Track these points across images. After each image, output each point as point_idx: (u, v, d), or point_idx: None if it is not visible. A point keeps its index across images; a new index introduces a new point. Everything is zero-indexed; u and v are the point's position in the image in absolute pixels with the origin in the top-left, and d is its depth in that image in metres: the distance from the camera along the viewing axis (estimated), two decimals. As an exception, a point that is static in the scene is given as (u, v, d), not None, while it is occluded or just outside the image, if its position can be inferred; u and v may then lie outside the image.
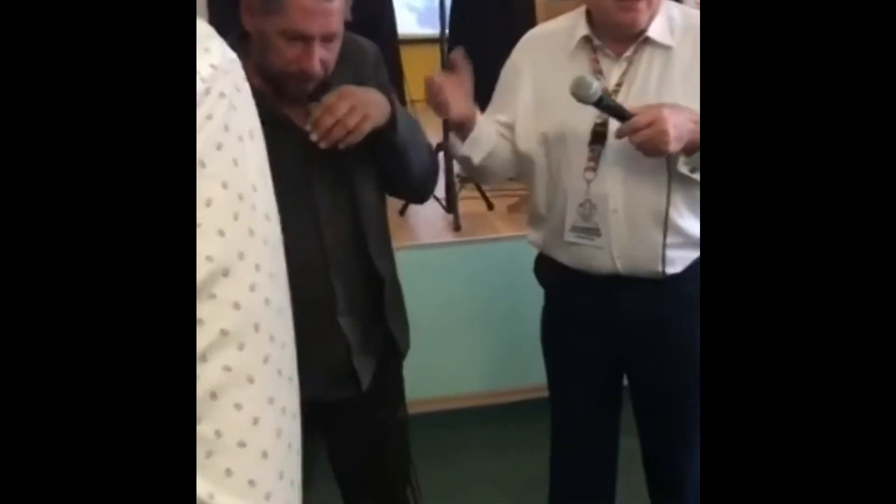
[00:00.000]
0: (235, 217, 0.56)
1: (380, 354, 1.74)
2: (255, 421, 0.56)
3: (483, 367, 3.11)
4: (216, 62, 0.57)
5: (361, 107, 1.52)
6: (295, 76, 1.54)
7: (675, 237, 1.71)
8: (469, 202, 3.40)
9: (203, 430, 0.54)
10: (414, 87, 3.60)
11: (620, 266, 1.74)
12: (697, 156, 1.63)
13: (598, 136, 1.71)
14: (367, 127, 1.53)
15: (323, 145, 1.51)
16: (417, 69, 3.95)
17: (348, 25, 1.61)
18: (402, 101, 3.82)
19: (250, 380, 0.56)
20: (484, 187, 3.45)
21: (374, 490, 1.83)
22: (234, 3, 1.58)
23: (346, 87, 1.55)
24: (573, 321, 1.87)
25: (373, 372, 1.72)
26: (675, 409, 1.81)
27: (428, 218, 3.37)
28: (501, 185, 3.76)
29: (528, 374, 3.01)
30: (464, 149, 1.78)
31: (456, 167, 3.48)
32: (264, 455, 0.56)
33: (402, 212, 3.35)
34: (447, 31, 3.84)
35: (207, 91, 0.56)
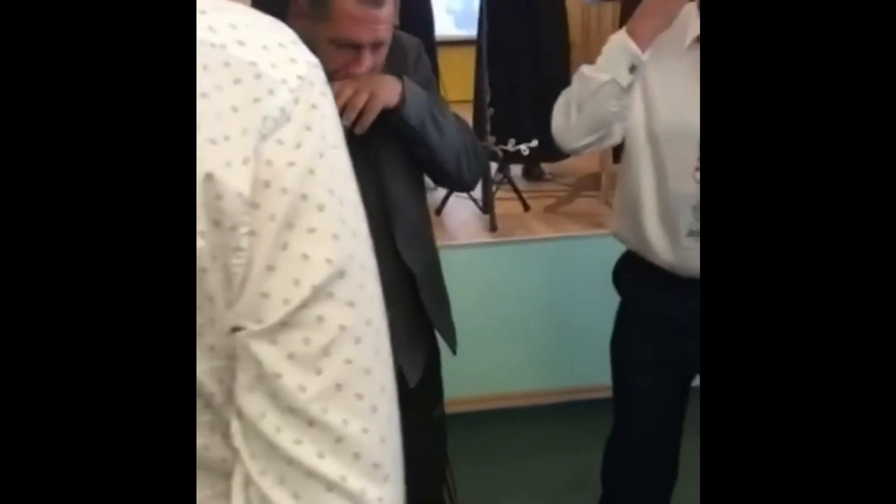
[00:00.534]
0: (342, 221, 0.60)
1: (426, 351, 1.74)
2: (374, 409, 0.60)
3: (519, 367, 3.10)
4: (303, 73, 0.61)
5: (367, 87, 1.52)
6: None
7: None
8: (505, 203, 3.40)
9: (332, 418, 0.59)
10: (451, 89, 3.63)
11: None
12: None
13: None
14: (377, 105, 1.52)
15: None
16: (455, 70, 3.97)
17: None
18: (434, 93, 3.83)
19: (367, 371, 0.60)
20: (521, 188, 3.44)
21: (409, 489, 1.83)
22: (281, 5, 1.59)
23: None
24: (661, 325, 1.80)
25: (421, 368, 1.71)
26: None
27: (464, 218, 3.37)
28: (538, 186, 3.77)
29: (565, 375, 3.00)
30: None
31: (493, 167, 3.49)
32: (383, 440, 0.61)
33: (439, 211, 3.36)
34: (477, 33, 3.86)
35: (296, 101, 0.59)
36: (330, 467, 0.58)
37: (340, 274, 0.59)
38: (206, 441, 0.62)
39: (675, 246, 1.72)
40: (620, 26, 1.93)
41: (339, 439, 0.59)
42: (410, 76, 1.65)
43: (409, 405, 1.96)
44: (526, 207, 3.43)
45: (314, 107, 0.60)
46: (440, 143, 1.66)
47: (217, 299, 0.58)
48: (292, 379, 0.58)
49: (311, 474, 0.58)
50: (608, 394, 1.95)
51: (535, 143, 3.43)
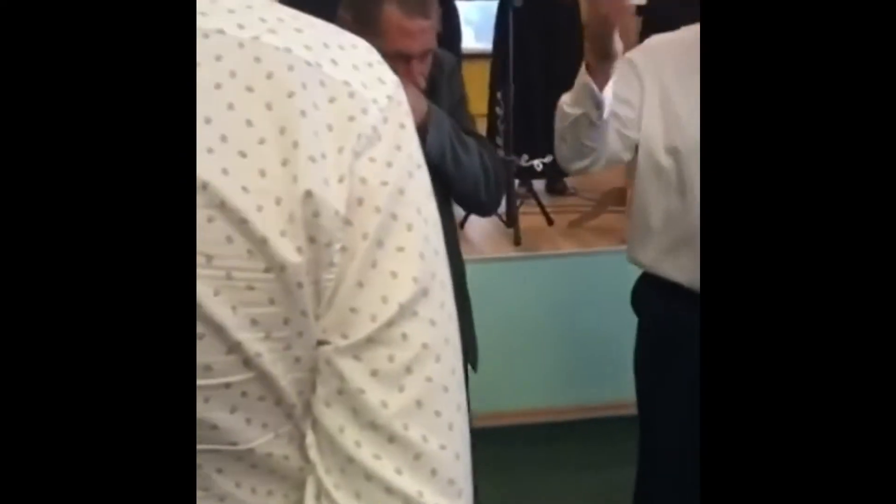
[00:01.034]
0: (427, 240, 0.61)
1: None
2: (451, 426, 0.61)
3: (543, 383, 3.09)
4: (391, 93, 0.61)
5: None
6: None
7: None
8: (529, 217, 3.39)
9: (412, 434, 0.59)
10: (470, 101, 3.64)
11: None
12: None
13: None
14: None
15: None
16: (473, 83, 3.97)
17: None
18: (463, 105, 3.85)
19: (445, 389, 0.61)
20: (544, 202, 3.44)
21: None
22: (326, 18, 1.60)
23: None
24: (684, 345, 1.75)
25: None
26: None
27: (488, 232, 3.37)
28: (562, 201, 3.75)
29: (588, 391, 2.98)
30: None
31: (516, 182, 3.48)
32: (458, 456, 0.61)
33: (462, 225, 3.36)
34: (493, 46, 3.86)
35: (385, 120, 0.60)
36: (408, 483, 0.59)
37: (424, 292, 0.60)
38: (285, 451, 0.62)
39: (684, 260, 1.71)
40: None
41: (417, 455, 0.59)
42: (445, 92, 1.65)
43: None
44: (550, 222, 3.42)
45: (402, 126, 0.61)
46: (457, 173, 1.67)
47: (308, 314, 0.58)
48: (375, 395, 0.59)
49: (389, 490, 0.59)
50: (632, 411, 1.94)
51: (549, 158, 3.43)
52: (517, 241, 3.20)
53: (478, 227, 3.37)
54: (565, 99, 1.72)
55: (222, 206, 0.55)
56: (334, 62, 0.60)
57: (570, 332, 2.96)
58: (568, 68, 3.90)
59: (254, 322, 0.57)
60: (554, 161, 3.52)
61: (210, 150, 0.55)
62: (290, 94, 0.57)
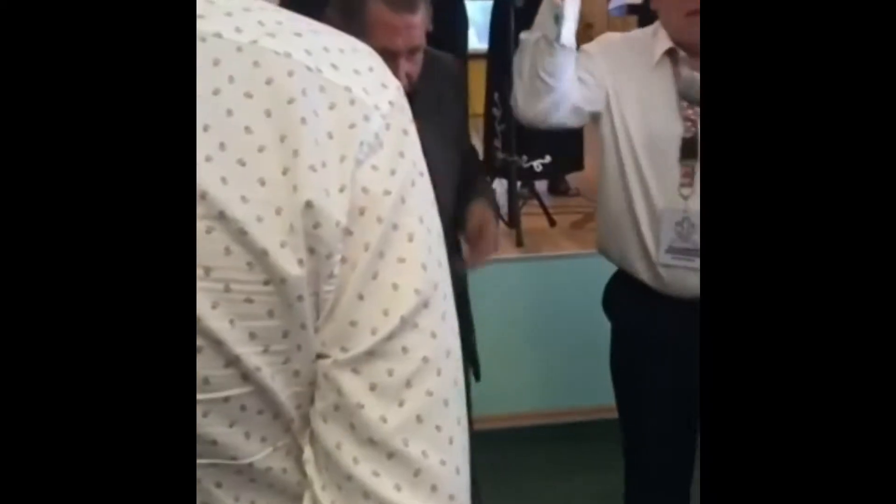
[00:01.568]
0: (430, 250, 0.60)
1: None
2: (451, 440, 0.60)
3: (546, 384, 3.08)
4: (394, 98, 0.60)
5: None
6: None
7: None
8: (531, 218, 3.38)
9: (411, 450, 0.58)
10: (473, 102, 3.63)
11: None
12: None
13: (689, 151, 1.65)
14: None
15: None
16: (478, 83, 3.97)
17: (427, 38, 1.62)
18: (466, 115, 3.84)
19: (446, 403, 0.60)
20: (546, 203, 3.43)
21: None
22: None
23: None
24: (654, 347, 1.79)
25: None
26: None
27: (490, 233, 3.35)
28: (565, 202, 3.74)
29: (592, 394, 2.97)
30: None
31: (518, 183, 3.47)
32: (458, 471, 0.60)
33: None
34: (489, 45, 3.85)
35: (388, 126, 0.59)
36: (407, 500, 0.58)
37: (426, 304, 0.59)
38: (283, 465, 0.61)
39: (653, 262, 1.72)
40: None
41: (417, 472, 0.58)
42: (449, 96, 1.65)
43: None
44: (552, 223, 3.41)
45: (405, 132, 0.60)
46: None
47: (308, 327, 0.57)
48: (374, 410, 0.57)
49: None
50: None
51: (547, 158, 3.42)
52: (519, 243, 3.19)
53: (480, 228, 3.36)
54: (522, 33, 1.72)
55: (221, 216, 0.53)
56: (335, 67, 0.58)
57: (574, 333, 2.95)
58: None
59: (252, 335, 0.56)
60: (552, 161, 3.53)
61: (208, 159, 0.53)
62: (291, 101, 0.55)
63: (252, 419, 0.58)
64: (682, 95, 1.61)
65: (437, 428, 0.59)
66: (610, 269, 2.72)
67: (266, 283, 0.55)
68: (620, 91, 1.74)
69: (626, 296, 1.84)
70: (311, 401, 0.59)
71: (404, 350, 0.58)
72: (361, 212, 0.57)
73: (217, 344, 0.55)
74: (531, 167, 3.50)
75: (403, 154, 0.59)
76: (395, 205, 0.58)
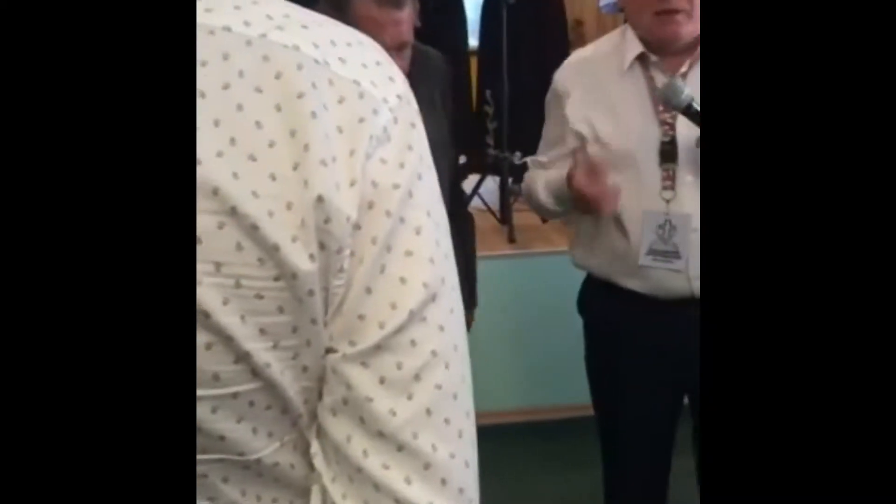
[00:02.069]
0: (437, 244, 0.60)
1: None
2: (460, 434, 0.60)
3: (540, 380, 3.09)
4: (401, 92, 0.60)
5: None
6: None
7: None
8: (523, 214, 3.38)
9: (421, 443, 0.58)
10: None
11: (696, 287, 1.68)
12: None
13: (669, 155, 1.66)
14: None
15: None
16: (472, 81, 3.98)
17: (419, 35, 1.62)
18: (469, 112, 3.85)
19: (455, 396, 0.60)
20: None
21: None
22: None
23: None
24: (634, 347, 1.81)
25: None
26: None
27: (482, 229, 3.36)
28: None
29: (583, 391, 2.98)
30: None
31: (510, 179, 3.48)
32: (467, 464, 0.60)
33: (456, 223, 3.35)
34: (480, 43, 3.85)
35: (396, 120, 0.58)
36: (417, 493, 0.58)
37: (433, 297, 0.59)
38: (290, 460, 0.61)
39: (634, 265, 1.73)
40: None
41: (427, 465, 0.58)
42: (440, 94, 1.65)
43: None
44: (544, 219, 3.41)
45: (413, 126, 0.60)
46: None
47: (318, 322, 0.57)
48: (383, 403, 0.57)
49: (398, 500, 0.57)
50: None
51: (529, 159, 3.42)
52: (511, 239, 3.19)
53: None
54: (545, 198, 1.82)
55: (233, 211, 0.53)
56: (342, 60, 0.58)
57: (565, 329, 2.95)
58: (557, 65, 3.92)
59: (262, 331, 0.56)
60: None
61: (220, 154, 0.53)
62: (300, 95, 0.55)
63: (260, 415, 0.58)
64: (664, 102, 1.62)
65: (447, 421, 0.59)
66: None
67: (277, 278, 0.55)
68: (595, 107, 1.76)
69: (600, 296, 1.85)
70: (319, 395, 0.59)
71: (413, 343, 0.58)
72: (370, 206, 0.57)
73: (228, 340, 0.55)
74: (525, 164, 3.51)
75: (411, 147, 0.59)
76: (402, 198, 0.58)
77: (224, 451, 0.59)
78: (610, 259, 1.78)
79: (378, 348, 0.57)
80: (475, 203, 3.49)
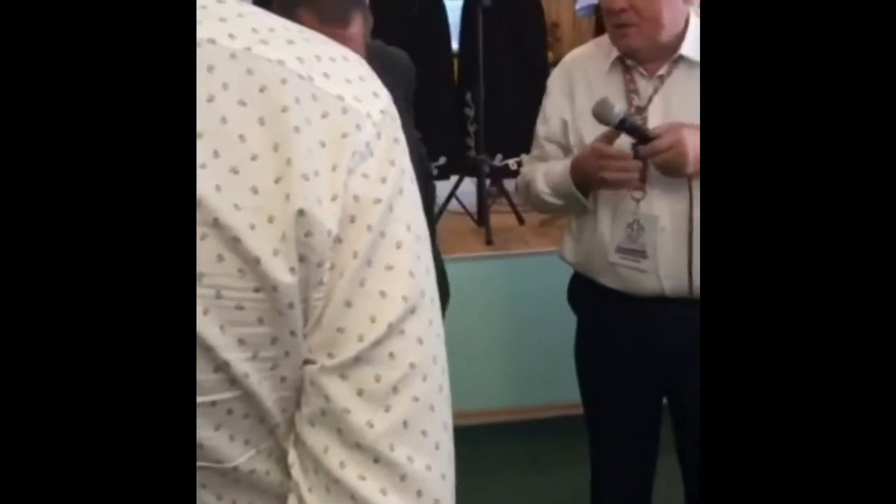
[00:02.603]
0: (418, 257, 0.60)
1: None
2: (437, 446, 0.60)
3: (516, 381, 3.10)
4: (384, 107, 0.60)
5: None
6: None
7: None
8: (500, 216, 3.40)
9: (397, 455, 0.58)
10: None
11: (667, 287, 1.72)
12: None
13: (645, 138, 1.69)
14: None
15: None
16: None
17: (403, 38, 1.62)
18: (452, 114, 3.85)
19: (432, 408, 0.60)
20: (516, 201, 3.44)
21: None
22: None
23: None
24: (613, 344, 1.85)
25: None
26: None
27: (459, 231, 3.37)
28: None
29: (560, 390, 3.00)
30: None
31: (487, 181, 3.49)
32: (443, 476, 0.61)
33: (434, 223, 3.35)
34: (460, 46, 3.87)
35: (379, 135, 0.59)
36: None
37: (413, 310, 0.59)
38: (266, 467, 0.62)
39: (605, 262, 1.77)
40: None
41: (403, 476, 0.58)
42: (410, 95, 1.65)
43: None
44: (521, 221, 3.43)
45: (396, 141, 0.60)
46: None
47: (297, 334, 0.58)
48: (361, 415, 0.58)
49: None
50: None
51: (524, 156, 3.44)
52: (489, 240, 3.20)
53: (450, 227, 3.37)
54: (542, 187, 1.82)
55: (215, 223, 0.54)
56: (326, 75, 0.58)
57: (543, 330, 2.97)
58: (535, 67, 3.93)
59: (241, 342, 0.56)
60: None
61: (203, 166, 0.54)
62: (284, 109, 0.55)
63: (237, 423, 0.59)
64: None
65: (423, 433, 0.59)
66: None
67: (257, 290, 0.55)
68: (578, 104, 1.80)
69: (586, 292, 1.88)
70: (297, 405, 0.60)
71: (391, 356, 0.58)
72: (352, 220, 0.57)
73: (206, 349, 0.55)
74: (507, 166, 3.53)
75: (394, 162, 0.59)
76: (383, 213, 0.58)
77: (202, 458, 0.59)
78: (587, 255, 1.82)
79: (357, 361, 0.58)
80: (453, 205, 3.50)
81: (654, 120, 1.72)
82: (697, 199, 1.68)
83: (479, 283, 3.03)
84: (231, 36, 0.56)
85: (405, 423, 0.59)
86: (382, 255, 0.58)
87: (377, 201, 0.58)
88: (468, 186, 3.57)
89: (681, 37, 1.72)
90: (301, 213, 0.55)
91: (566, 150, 1.83)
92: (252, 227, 0.54)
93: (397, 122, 0.61)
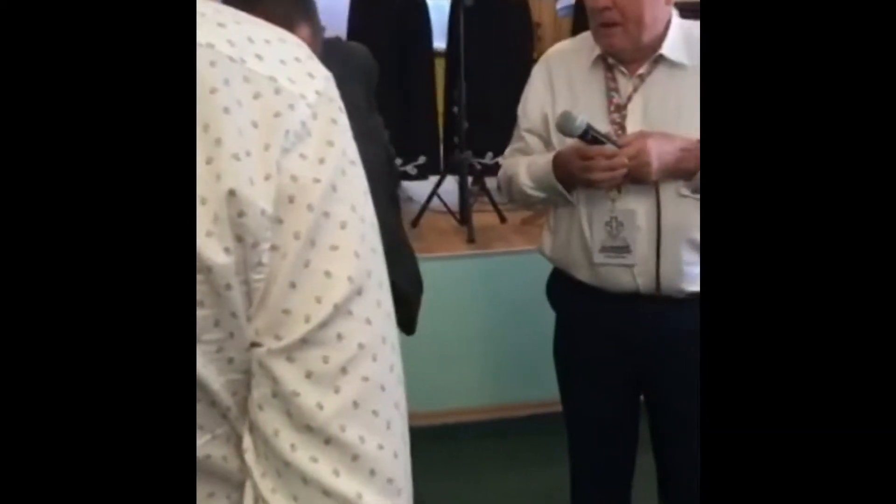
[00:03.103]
0: (363, 238, 0.60)
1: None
2: (388, 425, 0.60)
3: (496, 379, 3.10)
4: (321, 88, 0.60)
5: None
6: None
7: (697, 254, 1.71)
8: (482, 215, 3.41)
9: (348, 435, 0.58)
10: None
11: (641, 284, 1.74)
12: (698, 179, 1.65)
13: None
14: None
15: None
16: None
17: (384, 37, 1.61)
18: (435, 111, 3.85)
19: (382, 388, 0.60)
20: (497, 200, 3.46)
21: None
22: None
23: None
24: (590, 340, 1.86)
25: None
26: (690, 428, 1.80)
27: (441, 229, 3.37)
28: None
29: (543, 388, 3.01)
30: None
31: (469, 180, 3.50)
32: (396, 455, 0.61)
33: (415, 223, 3.36)
34: (448, 45, 3.87)
35: (315, 116, 0.59)
36: (346, 485, 0.58)
37: (359, 291, 0.59)
38: (223, 452, 0.61)
39: (590, 262, 1.78)
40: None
41: (355, 457, 0.58)
42: (366, 86, 1.65)
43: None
44: (503, 219, 3.44)
45: (334, 122, 0.60)
46: None
47: (239, 314, 0.57)
48: (310, 397, 0.58)
49: (327, 493, 0.58)
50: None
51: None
52: (471, 239, 3.21)
53: (431, 225, 3.38)
54: (525, 180, 1.82)
55: None
56: (259, 57, 0.58)
57: (524, 328, 2.98)
58: (522, 64, 3.94)
59: None
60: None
61: None
62: (213, 91, 0.55)
63: None
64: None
65: (374, 413, 0.59)
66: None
67: None
68: (559, 96, 1.82)
69: (564, 288, 1.89)
70: (248, 388, 0.60)
71: (339, 337, 0.58)
72: (291, 199, 0.57)
73: None
74: (497, 164, 3.54)
75: (332, 143, 0.59)
76: (325, 193, 0.58)
77: None
78: (565, 250, 1.83)
79: (303, 342, 0.57)
80: (435, 204, 3.50)
81: (633, 118, 1.73)
82: (665, 201, 1.71)
83: (460, 281, 3.03)
84: None
85: (355, 404, 0.58)
86: (327, 236, 0.58)
87: (316, 181, 0.58)
88: (450, 185, 3.58)
89: (661, 37, 1.73)
90: (232, 193, 0.55)
91: (547, 142, 1.84)
92: None
93: (336, 104, 0.61)
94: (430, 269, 2.85)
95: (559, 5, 4.08)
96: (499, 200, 3.51)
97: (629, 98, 1.75)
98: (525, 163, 1.85)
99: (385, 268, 0.63)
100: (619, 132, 1.73)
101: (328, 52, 1.58)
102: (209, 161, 0.55)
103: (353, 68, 1.69)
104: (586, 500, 1.97)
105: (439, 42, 3.99)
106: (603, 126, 1.73)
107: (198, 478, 0.60)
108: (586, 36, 1.86)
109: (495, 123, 3.64)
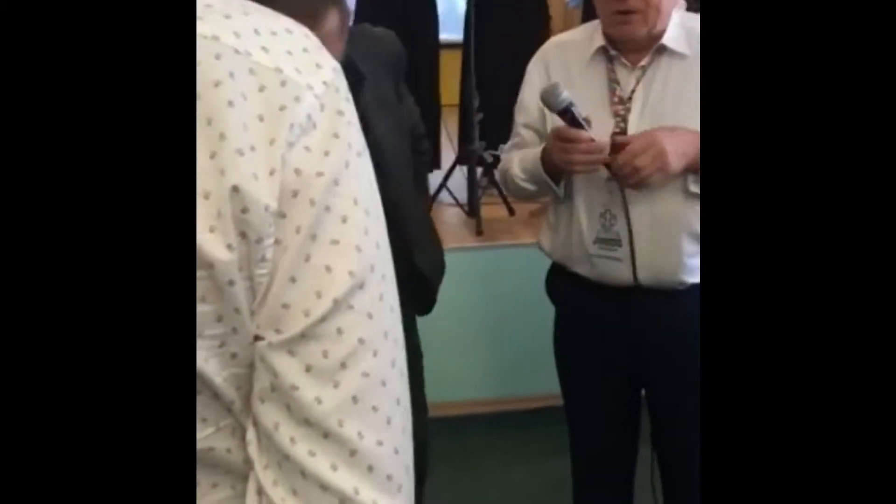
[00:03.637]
0: (366, 232, 0.60)
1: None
2: (389, 420, 0.60)
3: (504, 372, 3.10)
4: (328, 78, 0.59)
5: None
6: None
7: (696, 246, 1.71)
8: (491, 207, 3.40)
9: (346, 431, 0.58)
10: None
11: (641, 276, 1.74)
12: None
13: (617, 146, 1.70)
14: None
15: None
16: (444, 74, 3.99)
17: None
18: (438, 104, 3.84)
19: (383, 383, 0.60)
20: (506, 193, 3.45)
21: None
22: None
23: None
24: (590, 334, 1.86)
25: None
26: (691, 420, 1.80)
27: (450, 222, 3.38)
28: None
29: (546, 381, 3.01)
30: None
31: (479, 172, 3.50)
32: (396, 451, 0.61)
33: (424, 215, 3.35)
34: (463, 37, 3.86)
35: (322, 107, 0.58)
36: (343, 480, 0.58)
37: (361, 285, 0.59)
38: (227, 444, 0.61)
39: (584, 253, 1.77)
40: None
41: (353, 452, 0.58)
42: (395, 78, 1.64)
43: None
44: (511, 212, 3.43)
45: (340, 113, 0.59)
46: None
47: (243, 310, 0.57)
48: (309, 391, 0.58)
49: (324, 487, 0.58)
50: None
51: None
52: (479, 231, 3.21)
53: (440, 218, 3.37)
54: (517, 172, 1.83)
55: None
56: (265, 49, 0.58)
57: (531, 321, 2.97)
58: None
59: None
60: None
61: None
62: (217, 84, 0.55)
63: None
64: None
65: (374, 409, 0.59)
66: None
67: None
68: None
69: (563, 282, 1.89)
70: (251, 382, 0.60)
71: (339, 331, 0.58)
72: (294, 194, 0.57)
73: None
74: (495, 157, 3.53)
75: (338, 135, 0.59)
76: (327, 187, 0.58)
77: None
78: (564, 245, 1.83)
79: (303, 336, 0.57)
80: (443, 196, 3.50)
81: (635, 111, 1.72)
82: (661, 194, 1.69)
83: (467, 273, 3.03)
84: None
85: (354, 399, 0.58)
86: (327, 230, 0.58)
87: (319, 174, 0.57)
88: (460, 178, 3.58)
89: (664, 27, 1.72)
90: (235, 189, 0.55)
91: (543, 136, 1.83)
92: None
93: (342, 94, 0.60)
94: (439, 261, 2.85)
95: (568, -3, 4.07)
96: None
97: (633, 90, 1.74)
98: (519, 156, 1.85)
99: (391, 260, 0.62)
100: (622, 124, 1.72)
101: (356, 41, 1.54)
102: (213, 156, 0.55)
103: (381, 60, 1.67)
104: (588, 493, 1.97)
105: (455, 34, 3.98)
106: (605, 119, 1.72)
107: (202, 469, 0.61)
108: (584, 28, 1.85)
109: (511, 115, 3.64)
